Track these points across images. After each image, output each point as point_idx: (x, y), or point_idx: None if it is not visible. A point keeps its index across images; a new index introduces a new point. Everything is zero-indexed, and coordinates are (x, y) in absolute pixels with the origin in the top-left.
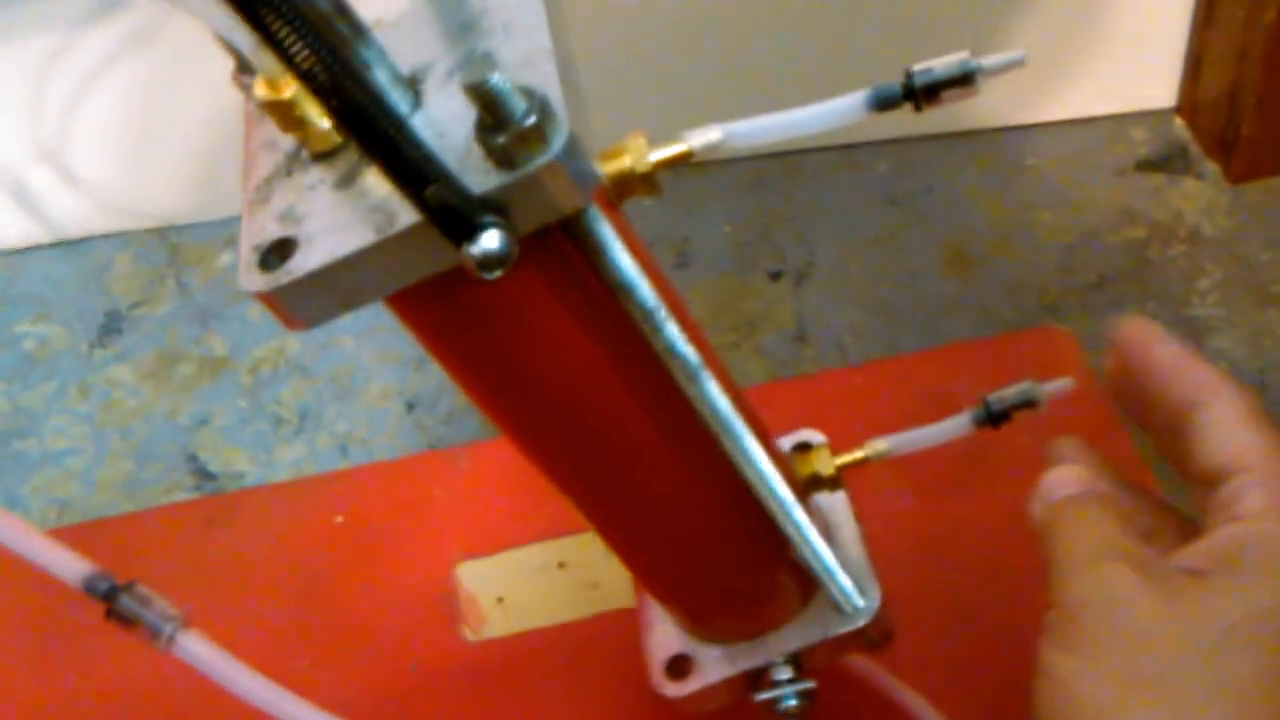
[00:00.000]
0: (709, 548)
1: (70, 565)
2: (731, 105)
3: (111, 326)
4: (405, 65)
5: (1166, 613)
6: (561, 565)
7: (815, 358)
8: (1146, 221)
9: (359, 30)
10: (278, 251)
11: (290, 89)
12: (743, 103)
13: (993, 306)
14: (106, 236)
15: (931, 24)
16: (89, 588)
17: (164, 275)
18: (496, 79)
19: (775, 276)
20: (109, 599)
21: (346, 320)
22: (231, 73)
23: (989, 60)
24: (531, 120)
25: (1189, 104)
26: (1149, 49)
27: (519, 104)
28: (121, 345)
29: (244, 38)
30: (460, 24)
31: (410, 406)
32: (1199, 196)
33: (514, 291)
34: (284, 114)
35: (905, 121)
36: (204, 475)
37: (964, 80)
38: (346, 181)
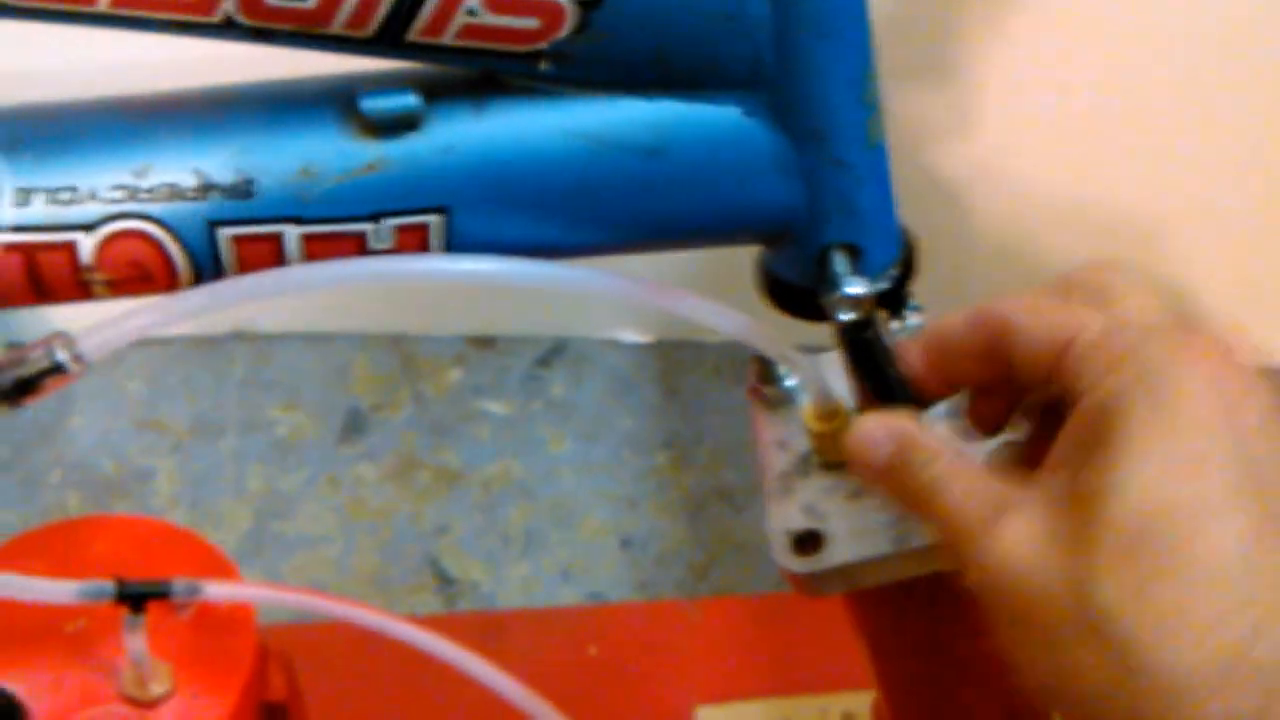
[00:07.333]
0: None
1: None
2: None
3: (355, 425)
4: None
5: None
6: None
7: None
8: None
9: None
10: (810, 542)
11: (837, 422)
12: None
13: None
14: (346, 335)
15: None
16: None
17: (399, 383)
18: None
19: None
20: None
21: (566, 451)
22: (749, 383)
23: None
24: None
25: None
26: None
27: None
28: (365, 444)
29: (813, 379)
30: None
31: (625, 544)
32: None
33: None
34: (823, 440)
35: None
36: (445, 580)
37: None
38: (859, 494)
